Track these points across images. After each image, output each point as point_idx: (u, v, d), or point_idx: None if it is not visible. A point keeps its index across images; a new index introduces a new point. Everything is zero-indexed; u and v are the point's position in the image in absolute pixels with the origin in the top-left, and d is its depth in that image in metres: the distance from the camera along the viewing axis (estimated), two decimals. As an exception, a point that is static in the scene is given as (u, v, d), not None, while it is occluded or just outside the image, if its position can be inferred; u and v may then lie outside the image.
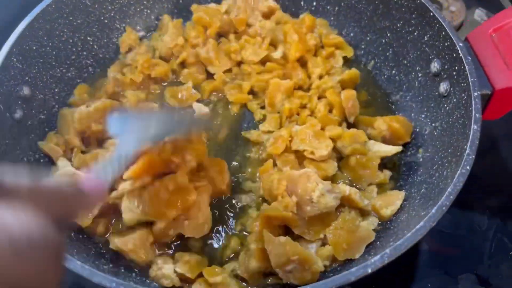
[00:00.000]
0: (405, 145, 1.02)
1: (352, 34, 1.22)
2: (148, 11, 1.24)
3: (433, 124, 0.98)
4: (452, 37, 0.93)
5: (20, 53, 0.94)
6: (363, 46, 1.19)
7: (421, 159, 0.97)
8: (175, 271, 0.82)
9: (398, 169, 1.00)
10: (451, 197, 0.72)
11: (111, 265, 0.84)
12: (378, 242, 0.86)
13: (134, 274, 0.84)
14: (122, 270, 0.84)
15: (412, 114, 1.05)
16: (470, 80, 0.86)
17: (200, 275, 0.83)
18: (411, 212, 0.86)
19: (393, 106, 1.11)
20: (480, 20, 1.36)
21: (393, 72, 1.12)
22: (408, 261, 0.98)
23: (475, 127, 0.80)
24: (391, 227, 0.88)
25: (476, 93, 0.85)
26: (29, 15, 0.96)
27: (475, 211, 1.05)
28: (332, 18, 1.24)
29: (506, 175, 1.13)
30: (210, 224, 0.88)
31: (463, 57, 0.89)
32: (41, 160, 0.95)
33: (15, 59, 0.92)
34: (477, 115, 0.82)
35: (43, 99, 1.00)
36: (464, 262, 0.98)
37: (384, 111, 1.09)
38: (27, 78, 0.96)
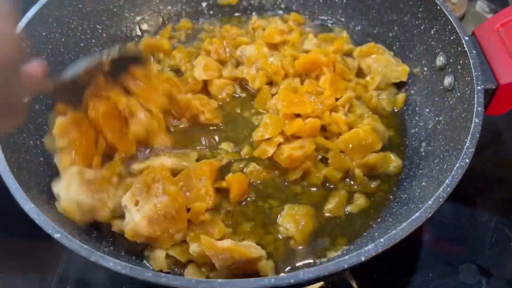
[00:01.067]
0: (409, 139, 1.03)
1: (359, 27, 1.21)
2: (157, 1, 1.25)
3: (436, 118, 0.97)
4: (458, 31, 0.92)
5: (30, 39, 0.95)
6: (370, 40, 1.19)
7: (423, 153, 0.97)
8: (167, 255, 0.83)
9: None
10: (449, 189, 0.72)
11: (111, 247, 0.86)
12: (376, 234, 0.86)
13: (134, 257, 0.86)
14: (123, 253, 0.86)
15: (417, 108, 1.05)
16: (474, 74, 0.86)
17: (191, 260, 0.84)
18: (410, 205, 0.86)
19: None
20: (481, 12, 1.35)
21: (399, 66, 1.12)
22: (410, 251, 0.98)
23: (477, 120, 0.80)
24: (390, 219, 0.88)
25: (479, 87, 0.84)
26: (39, 1, 0.98)
27: (476, 202, 1.05)
28: (340, 11, 1.24)
29: (509, 167, 1.12)
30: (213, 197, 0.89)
31: (468, 51, 0.89)
32: (48, 144, 0.96)
33: (24, 45, 0.93)
34: (479, 108, 0.82)
35: (52, 84, 1.02)
36: (465, 252, 0.98)
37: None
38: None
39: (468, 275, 0.96)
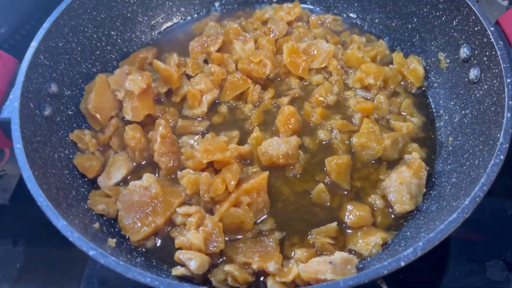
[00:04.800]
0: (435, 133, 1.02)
1: (377, 20, 1.19)
2: (170, 3, 1.24)
3: (462, 112, 0.96)
4: (483, 22, 0.90)
5: (47, 51, 0.94)
6: (388, 32, 1.17)
7: (450, 148, 0.95)
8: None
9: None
10: (485, 188, 0.71)
11: (142, 258, 0.85)
12: (408, 233, 0.85)
13: (165, 266, 0.86)
14: (154, 263, 0.86)
15: (441, 101, 1.03)
16: (502, 66, 0.84)
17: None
18: (441, 202, 0.85)
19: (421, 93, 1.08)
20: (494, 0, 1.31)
21: (420, 58, 1.10)
22: (436, 250, 0.96)
23: (509, 115, 0.78)
24: (421, 217, 0.87)
25: (509, 80, 0.82)
26: (55, 12, 0.97)
27: (501, 196, 1.03)
28: (356, 4, 1.21)
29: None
30: (269, 208, 0.92)
31: (494, 42, 0.87)
32: (71, 156, 0.96)
33: (42, 57, 0.93)
34: (510, 102, 0.80)
35: (71, 95, 1.01)
36: (491, 248, 0.97)
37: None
38: (54, 75, 0.97)
39: (495, 271, 0.94)
